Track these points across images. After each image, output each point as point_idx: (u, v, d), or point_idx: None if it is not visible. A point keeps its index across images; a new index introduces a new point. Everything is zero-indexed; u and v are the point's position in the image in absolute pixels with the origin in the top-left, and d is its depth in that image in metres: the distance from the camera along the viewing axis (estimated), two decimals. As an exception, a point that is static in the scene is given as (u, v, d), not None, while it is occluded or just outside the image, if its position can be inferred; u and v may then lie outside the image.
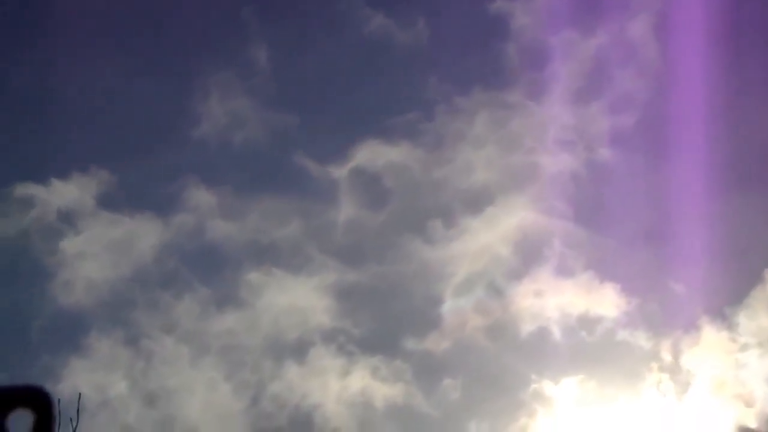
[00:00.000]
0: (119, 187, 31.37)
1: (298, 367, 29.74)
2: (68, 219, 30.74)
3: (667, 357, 28.83)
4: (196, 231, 31.37)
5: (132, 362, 28.96)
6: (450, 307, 30.45)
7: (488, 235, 31.20)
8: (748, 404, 27.78)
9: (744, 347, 28.56)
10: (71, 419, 11.90)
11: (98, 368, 28.86)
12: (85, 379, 28.11)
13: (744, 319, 28.59)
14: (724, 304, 29.57)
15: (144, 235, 30.76)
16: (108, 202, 30.96)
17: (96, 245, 30.84)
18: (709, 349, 28.71)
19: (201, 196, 31.45)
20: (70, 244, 30.48)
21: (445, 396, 29.81)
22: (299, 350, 29.99)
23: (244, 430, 28.65)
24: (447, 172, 32.24)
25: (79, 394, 12.27)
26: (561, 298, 30.10)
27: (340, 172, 31.71)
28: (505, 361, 31.12)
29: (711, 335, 28.89)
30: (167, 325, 29.84)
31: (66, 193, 30.70)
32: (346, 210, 31.63)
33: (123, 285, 30.51)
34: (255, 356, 30.05)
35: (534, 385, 28.82)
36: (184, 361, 29.63)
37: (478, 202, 32.12)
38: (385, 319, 31.82)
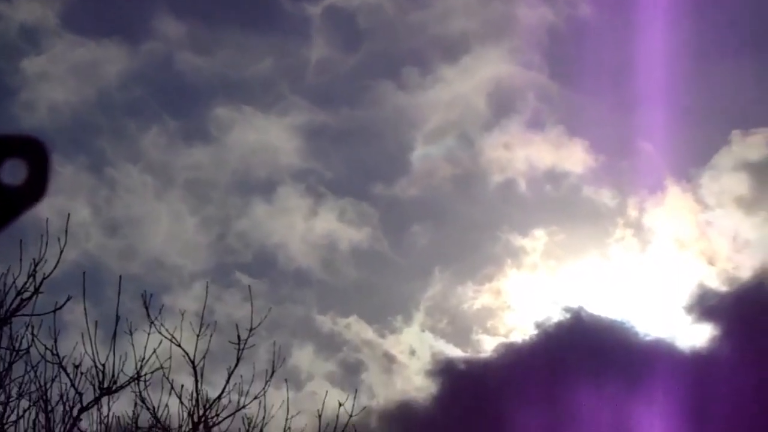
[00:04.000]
0: (84, 9, 30.59)
1: (265, 206, 29.60)
2: (31, 37, 30.00)
3: (632, 214, 28.96)
4: (164, 61, 30.78)
5: (95, 190, 28.65)
6: (420, 154, 30.33)
7: (463, 85, 30.91)
8: (711, 262, 28.07)
9: (707, 208, 28.73)
10: (59, 239, 11.65)
11: (60, 193, 28.48)
12: (45, 203, 27.75)
13: (708, 181, 28.71)
14: (690, 166, 29.67)
15: (110, 60, 30.14)
16: (72, 23, 30.21)
17: (60, 67, 30.21)
18: (673, 209, 28.87)
19: (170, 25, 30.78)
20: (32, 64, 29.84)
21: (411, 242, 29.87)
22: (267, 189, 29.86)
23: (208, 264, 28.62)
24: (424, 16, 31.73)
25: (68, 214, 11.92)
26: (530, 151, 30.02)
27: (314, 9, 31.09)
28: (473, 211, 31.17)
29: (676, 196, 29.02)
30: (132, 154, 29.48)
31: (29, 10, 29.89)
32: (319, 49, 31.11)
33: (87, 110, 30.00)
34: (222, 192, 29.85)
35: (500, 235, 28.92)
36: (149, 192, 29.37)
37: (454, 50, 31.72)
38: (355, 163, 31.65)
